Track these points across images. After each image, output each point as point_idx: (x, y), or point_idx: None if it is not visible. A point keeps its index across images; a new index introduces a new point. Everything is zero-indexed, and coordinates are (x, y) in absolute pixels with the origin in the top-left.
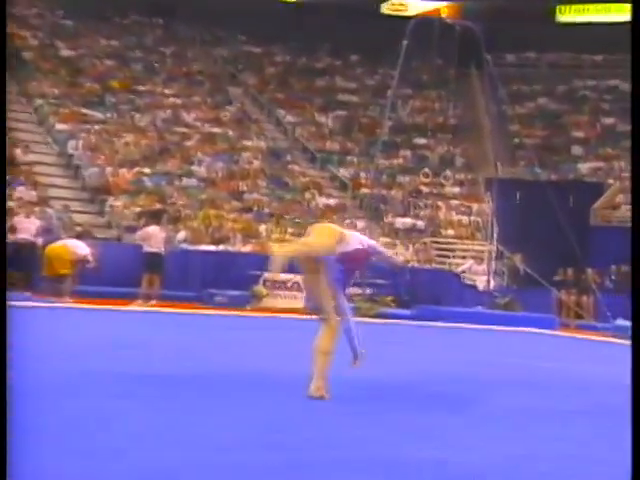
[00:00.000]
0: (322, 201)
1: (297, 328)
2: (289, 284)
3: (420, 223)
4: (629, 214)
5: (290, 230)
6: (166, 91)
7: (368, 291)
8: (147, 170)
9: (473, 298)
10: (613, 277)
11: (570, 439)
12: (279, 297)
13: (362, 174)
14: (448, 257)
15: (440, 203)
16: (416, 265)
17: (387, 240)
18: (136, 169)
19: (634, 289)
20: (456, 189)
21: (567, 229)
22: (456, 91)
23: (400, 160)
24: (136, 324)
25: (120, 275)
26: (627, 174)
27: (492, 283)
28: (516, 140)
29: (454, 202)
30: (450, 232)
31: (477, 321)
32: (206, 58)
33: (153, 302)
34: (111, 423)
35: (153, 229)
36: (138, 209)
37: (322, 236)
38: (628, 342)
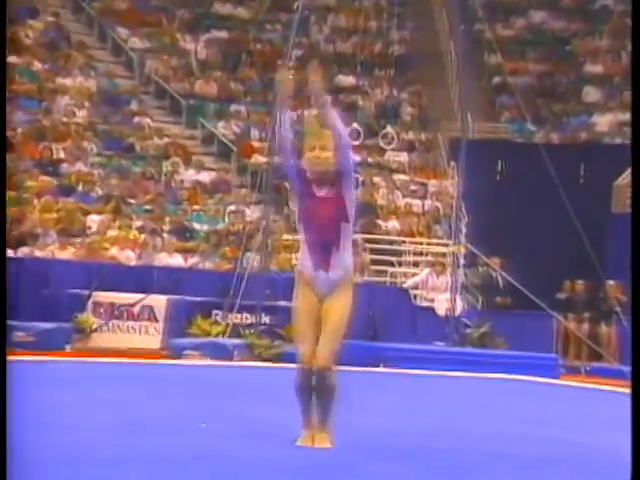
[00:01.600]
0: (190, 176)
1: (148, 380)
2: (136, 308)
3: None
4: None
5: (138, 223)
6: None
7: (265, 319)
8: None
9: (430, 328)
10: None
11: None
12: (117, 330)
13: (254, 133)
14: (391, 264)
15: (377, 179)
16: None
17: (291, 237)
18: None
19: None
20: (402, 156)
21: (575, 219)
22: (404, 2)
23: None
24: None
25: None
26: None
27: (459, 305)
28: (497, 79)
29: (399, 177)
30: (394, 225)
31: (436, 364)
32: None
33: None
34: None
35: None
36: None
37: None
38: None
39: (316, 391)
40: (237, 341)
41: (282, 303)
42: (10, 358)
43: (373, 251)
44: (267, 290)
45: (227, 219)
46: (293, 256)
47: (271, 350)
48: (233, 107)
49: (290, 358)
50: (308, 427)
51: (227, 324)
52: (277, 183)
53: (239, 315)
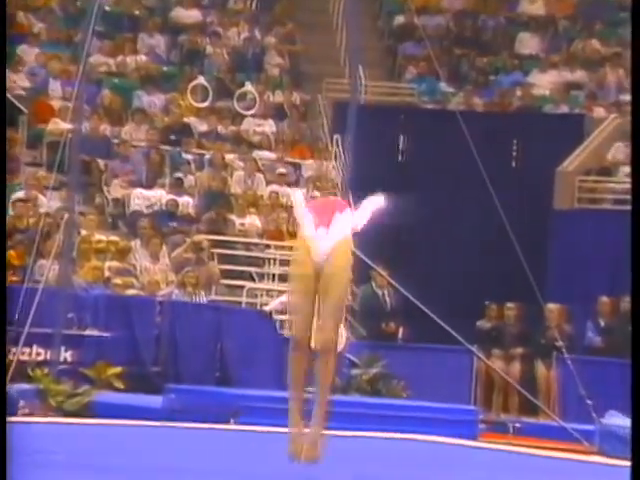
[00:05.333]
0: None
1: None
2: None
3: (181, 200)
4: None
5: None
6: None
7: (66, 355)
8: None
9: None
10: (603, 321)
11: None
12: None
13: (54, 87)
14: (249, 278)
15: (231, 157)
16: (177, 294)
17: (106, 238)
18: None
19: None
20: (267, 126)
21: (505, 217)
22: None
23: (129, 57)
24: None
25: None
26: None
27: (343, 336)
28: (399, 19)
29: (263, 155)
30: (253, 222)
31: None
32: None
33: None
34: None
35: None
36: None
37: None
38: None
39: (317, 374)
40: (24, 386)
41: (91, 332)
42: None
43: (223, 259)
44: (70, 313)
45: (11, 210)
46: (107, 265)
47: (74, 399)
48: (22, 49)
49: (104, 410)
50: (297, 434)
51: (9, 362)
52: (87, 160)
53: (27, 349)
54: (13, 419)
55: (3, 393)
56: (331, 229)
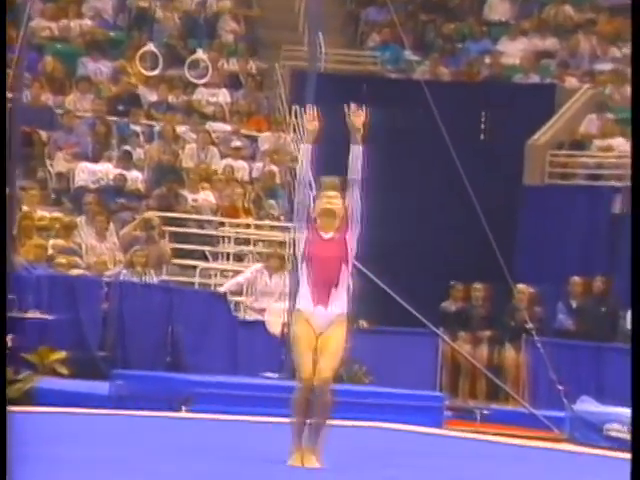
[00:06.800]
0: None
1: None
2: None
3: (130, 175)
4: (608, 161)
5: None
6: None
7: (7, 339)
8: None
9: (258, 353)
10: (574, 302)
11: None
12: None
13: None
14: (202, 257)
15: (182, 129)
16: (125, 274)
17: (49, 215)
18: None
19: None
20: (221, 95)
21: (472, 193)
22: None
23: (73, 21)
24: None
25: None
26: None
27: None
28: None
29: (216, 127)
30: (207, 198)
31: (266, 406)
32: None
33: None
34: None
35: None
36: None
37: None
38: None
39: (316, 407)
40: None
41: (33, 315)
42: None
43: (175, 237)
44: (11, 295)
45: None
46: (50, 243)
47: (15, 386)
48: None
49: (47, 397)
50: (298, 448)
51: None
52: (28, 132)
53: None
54: None
55: None
56: (329, 308)
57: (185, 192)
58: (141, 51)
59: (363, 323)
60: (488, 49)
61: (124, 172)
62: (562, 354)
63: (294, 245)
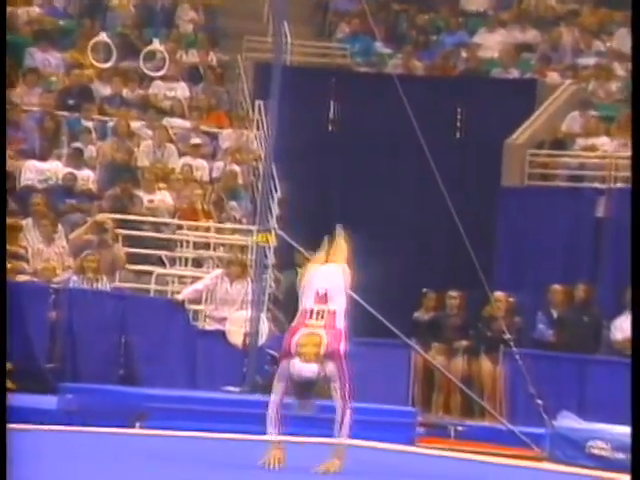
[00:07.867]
0: None
1: None
2: None
3: (81, 174)
4: (592, 162)
5: None
6: None
7: None
8: None
9: (218, 365)
10: (555, 312)
11: None
12: None
13: None
14: (159, 262)
15: (137, 125)
16: (75, 280)
17: None
18: None
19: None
20: (179, 89)
21: (447, 195)
22: None
23: (20, 9)
24: None
25: None
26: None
27: (265, 329)
28: None
29: (174, 123)
30: (163, 199)
31: (227, 421)
32: None
33: None
34: None
35: None
36: None
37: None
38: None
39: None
40: None
41: None
42: None
43: (129, 241)
44: None
45: None
46: None
47: None
48: None
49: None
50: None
51: None
52: None
53: None
54: None
55: None
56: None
57: (140, 193)
58: (93, 41)
59: None
60: (464, 42)
61: (74, 171)
62: (542, 366)
63: (259, 251)
